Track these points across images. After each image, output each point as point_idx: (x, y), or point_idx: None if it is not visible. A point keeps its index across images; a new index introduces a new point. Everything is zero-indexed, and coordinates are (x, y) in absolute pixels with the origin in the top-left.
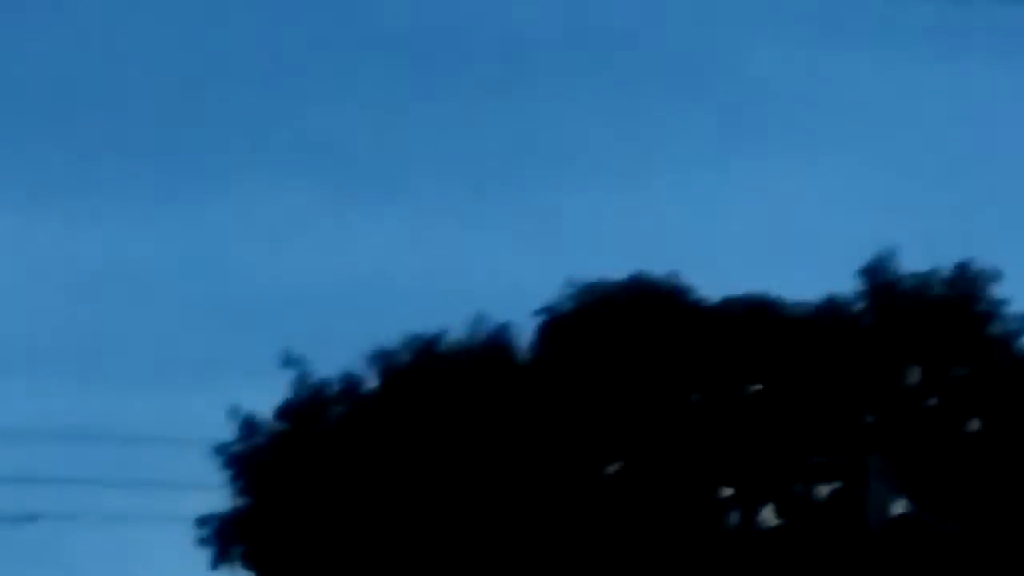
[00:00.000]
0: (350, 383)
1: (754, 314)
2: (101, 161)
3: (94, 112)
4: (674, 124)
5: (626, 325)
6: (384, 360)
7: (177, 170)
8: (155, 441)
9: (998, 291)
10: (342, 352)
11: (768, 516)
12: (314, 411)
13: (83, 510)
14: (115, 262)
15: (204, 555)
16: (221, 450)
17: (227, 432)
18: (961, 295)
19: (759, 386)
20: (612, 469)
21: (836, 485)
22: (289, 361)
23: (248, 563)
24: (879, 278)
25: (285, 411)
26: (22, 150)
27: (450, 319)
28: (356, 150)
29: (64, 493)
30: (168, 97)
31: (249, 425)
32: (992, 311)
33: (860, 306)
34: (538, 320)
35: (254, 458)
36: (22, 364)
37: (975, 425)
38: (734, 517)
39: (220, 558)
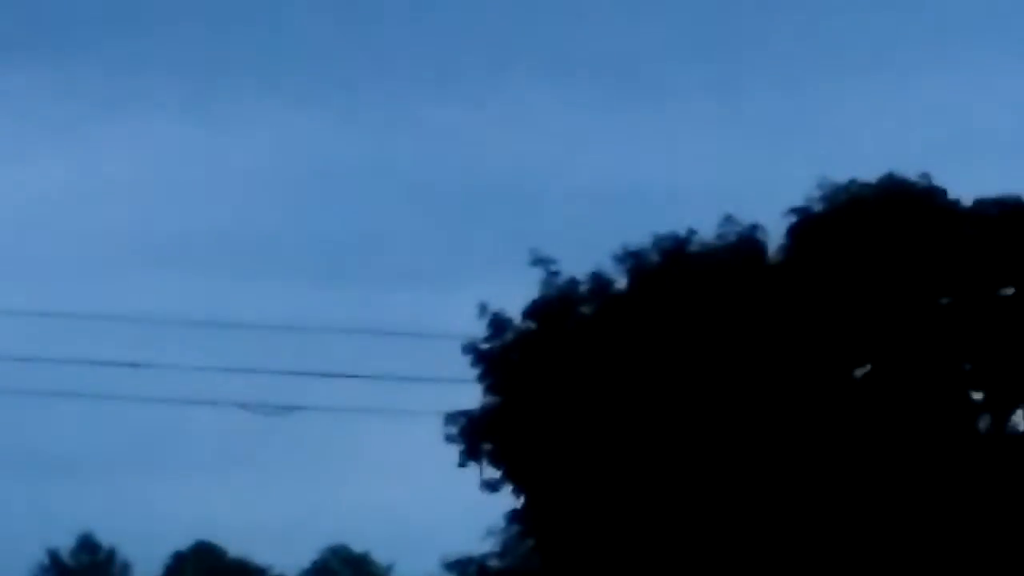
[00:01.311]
0: (599, 283)
1: (1008, 216)
2: (361, 66)
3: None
4: (929, 23)
5: (878, 226)
6: (633, 260)
7: (436, 80)
8: (407, 336)
9: None
10: (591, 253)
11: (1020, 420)
12: (563, 310)
13: (338, 403)
14: (373, 163)
15: (452, 451)
16: (471, 348)
17: (477, 329)
18: None
19: (1012, 289)
20: (861, 372)
21: None
22: (538, 260)
23: (496, 461)
24: None
25: (534, 310)
26: (299, 48)
27: (700, 220)
28: (608, 56)
29: (321, 386)
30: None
31: (499, 323)
32: None
33: None
34: (789, 221)
35: (503, 356)
36: (282, 263)
37: None
38: (985, 421)
39: (469, 455)
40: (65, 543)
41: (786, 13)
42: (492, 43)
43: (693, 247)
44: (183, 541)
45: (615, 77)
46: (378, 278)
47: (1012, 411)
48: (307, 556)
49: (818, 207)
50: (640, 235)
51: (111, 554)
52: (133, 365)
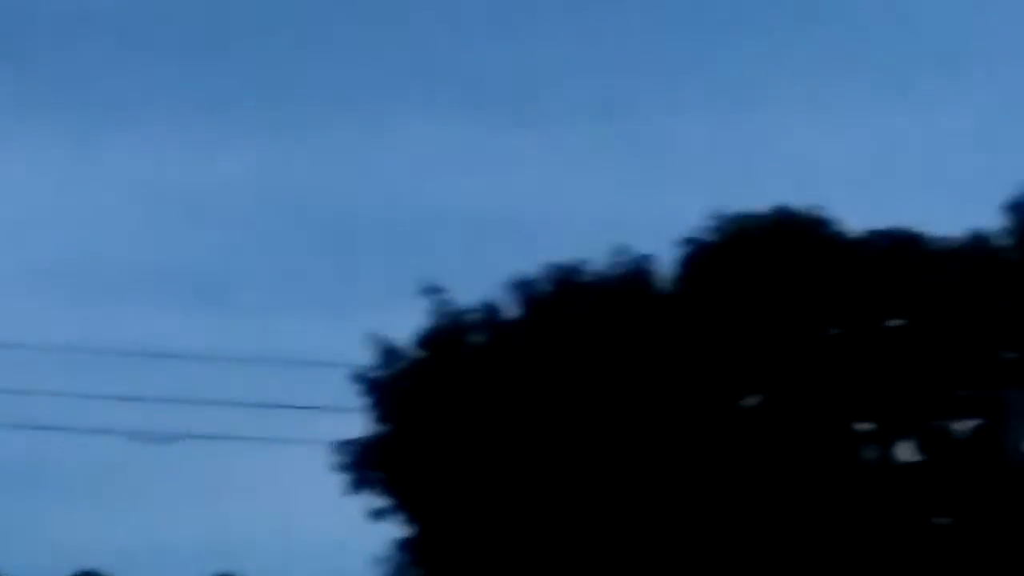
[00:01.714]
0: (490, 312)
1: (897, 248)
2: (244, 89)
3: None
4: (822, 58)
5: (768, 257)
6: (525, 289)
7: (325, 102)
8: (295, 365)
9: None
10: (482, 281)
11: (905, 451)
12: (454, 339)
13: (224, 431)
14: (261, 189)
15: (340, 480)
16: (361, 376)
17: (366, 358)
18: None
19: (900, 320)
20: (750, 402)
21: (977, 421)
22: (429, 289)
23: (385, 490)
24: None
25: (425, 338)
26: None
27: (591, 248)
28: (499, 82)
29: (207, 414)
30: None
31: (389, 352)
32: None
33: (1004, 241)
34: (680, 251)
35: (394, 385)
36: (167, 289)
37: None
38: (871, 452)
39: (358, 483)
40: None
41: (678, 40)
42: (381, 69)
43: (585, 276)
44: (67, 570)
45: (505, 104)
46: (265, 306)
47: (898, 442)
48: None
49: (709, 237)
50: (530, 264)
51: None
52: (15, 392)
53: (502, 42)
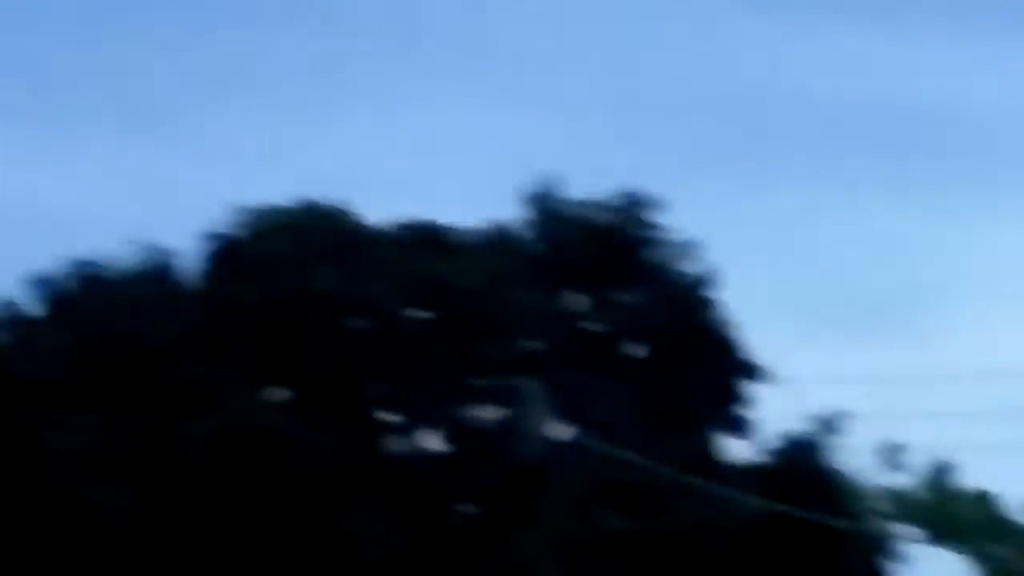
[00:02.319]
0: (11, 309)
1: (420, 240)
2: None
3: None
4: (350, 58)
5: (295, 250)
6: (47, 286)
7: None
8: None
9: (662, 219)
10: (2, 278)
11: (431, 441)
12: None
13: None
14: None
15: None
16: None
17: None
18: (623, 223)
19: (427, 312)
20: (279, 396)
21: (500, 410)
22: None
23: None
24: (545, 206)
25: None
26: None
27: (115, 246)
28: (10, 77)
29: None
30: None
31: None
32: (655, 238)
33: (526, 233)
34: (204, 245)
35: None
36: None
37: (639, 351)
38: (396, 442)
39: None
40: None
41: (203, 38)
42: None
43: (108, 272)
44: None
45: (28, 99)
46: None
47: (423, 431)
48: None
49: (236, 231)
50: (52, 261)
51: None
52: None
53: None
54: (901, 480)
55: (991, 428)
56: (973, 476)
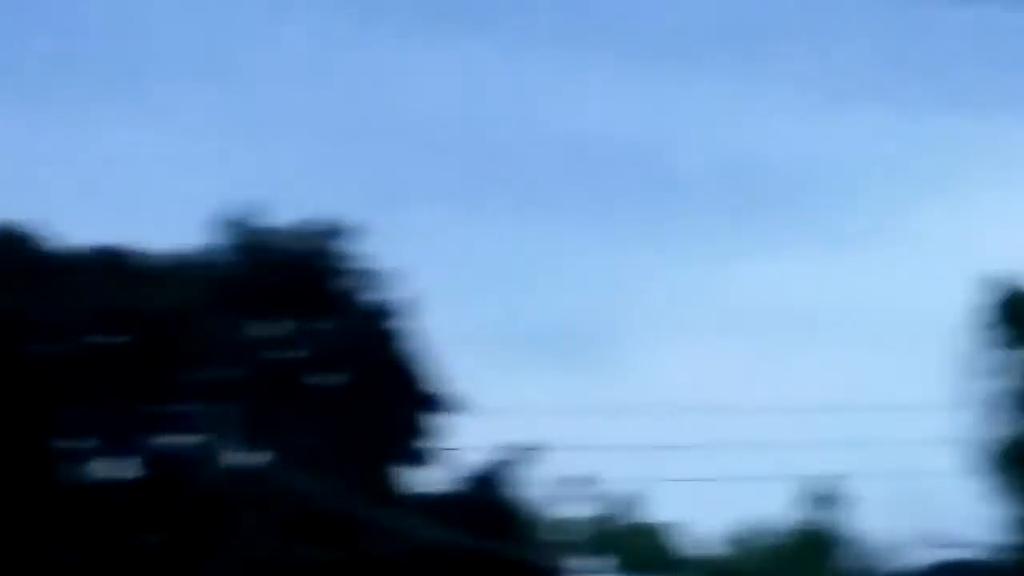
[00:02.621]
0: None
1: (110, 265)
2: None
3: None
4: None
5: None
6: None
7: None
8: None
9: (360, 248)
10: None
11: (122, 468)
12: None
13: None
14: None
15: None
16: None
17: None
18: (318, 251)
19: (118, 337)
20: None
21: (192, 437)
22: None
23: None
24: (242, 233)
25: None
26: None
27: None
28: None
29: None
30: None
31: None
32: (349, 267)
33: (221, 260)
34: None
35: None
36: None
37: (332, 380)
38: (84, 470)
39: None
40: None
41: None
42: None
43: None
44: None
45: None
46: None
47: (107, 459)
48: None
49: None
50: None
51: None
52: None
53: None
54: (588, 511)
55: (682, 461)
56: (661, 508)
